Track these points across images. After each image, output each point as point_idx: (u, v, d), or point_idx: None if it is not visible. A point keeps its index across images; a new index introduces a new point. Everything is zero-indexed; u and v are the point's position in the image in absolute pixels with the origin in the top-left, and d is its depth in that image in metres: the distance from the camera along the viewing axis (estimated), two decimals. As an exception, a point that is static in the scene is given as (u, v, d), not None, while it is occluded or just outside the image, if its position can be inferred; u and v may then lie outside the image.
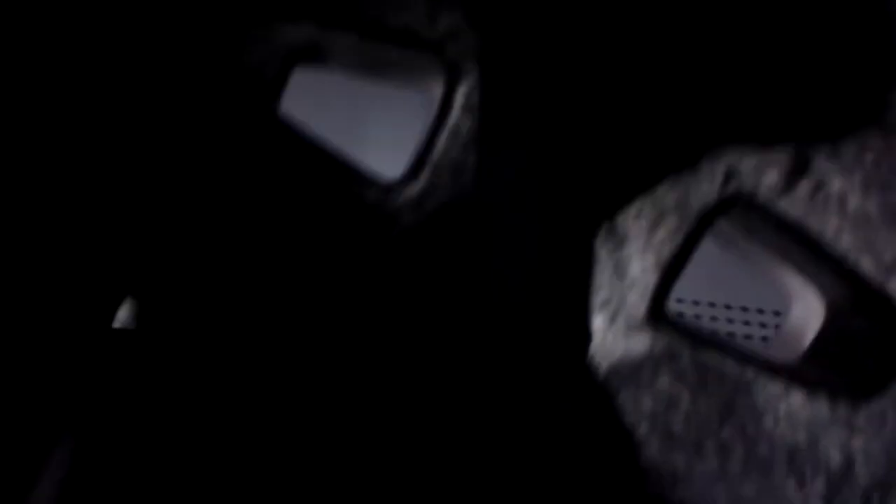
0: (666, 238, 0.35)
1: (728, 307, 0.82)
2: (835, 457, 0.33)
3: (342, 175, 0.35)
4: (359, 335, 0.35)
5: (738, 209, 0.35)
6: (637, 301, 0.36)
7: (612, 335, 0.35)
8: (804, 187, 0.35)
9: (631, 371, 0.36)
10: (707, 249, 0.37)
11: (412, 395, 0.35)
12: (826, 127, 0.34)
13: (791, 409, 0.34)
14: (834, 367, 0.35)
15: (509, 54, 0.35)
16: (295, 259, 0.35)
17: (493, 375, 0.36)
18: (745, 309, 0.83)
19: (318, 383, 0.34)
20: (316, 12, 0.34)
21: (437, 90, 0.36)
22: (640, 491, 0.35)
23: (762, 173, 0.35)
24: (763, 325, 0.83)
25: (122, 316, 0.33)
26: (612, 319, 0.36)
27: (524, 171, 0.36)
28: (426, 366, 0.35)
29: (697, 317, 0.81)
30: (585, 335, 0.35)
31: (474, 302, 0.36)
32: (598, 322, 0.36)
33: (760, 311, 0.81)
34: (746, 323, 0.84)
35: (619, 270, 0.36)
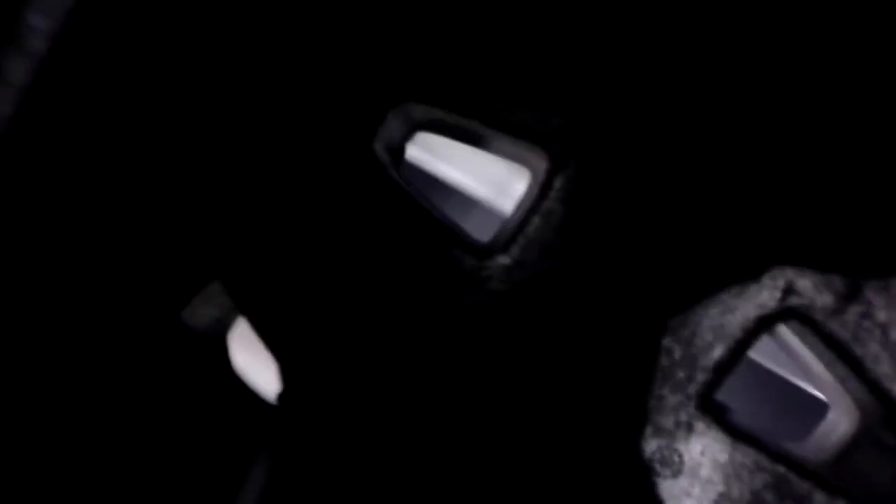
0: (725, 338, 0.39)
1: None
2: (844, 558, 0.37)
3: (447, 237, 0.39)
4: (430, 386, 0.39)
5: (794, 320, 0.39)
6: (690, 393, 0.40)
7: (663, 420, 0.39)
8: (853, 313, 0.39)
9: (674, 454, 0.40)
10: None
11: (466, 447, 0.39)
12: (878, 263, 0.38)
13: (813, 509, 0.38)
14: (855, 475, 0.39)
15: (605, 158, 0.39)
16: (391, 305, 0.39)
17: (547, 442, 0.40)
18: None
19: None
20: (447, 99, 0.38)
21: (539, 176, 0.40)
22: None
23: (818, 294, 0.39)
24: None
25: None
26: (664, 406, 0.40)
27: (604, 259, 0.40)
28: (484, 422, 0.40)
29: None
30: (640, 420, 0.40)
31: (541, 368, 0.40)
32: (651, 407, 0.40)
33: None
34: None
35: (679, 362, 0.40)
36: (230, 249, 0.38)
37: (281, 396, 0.38)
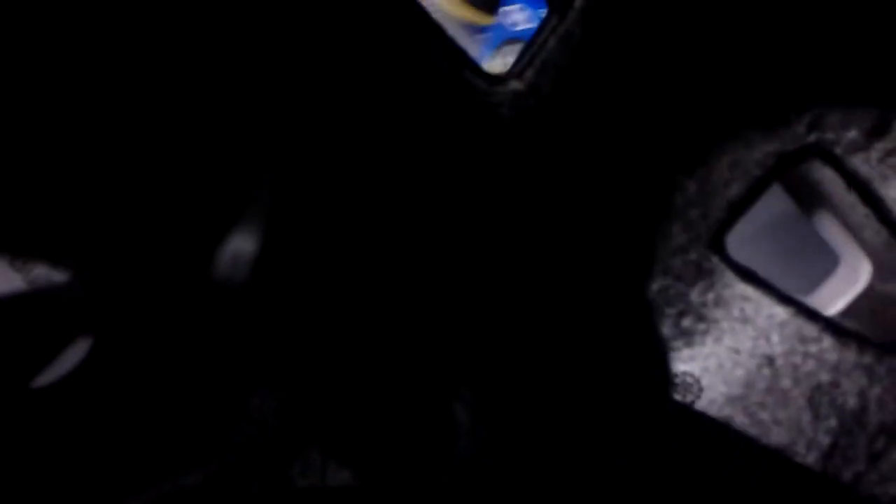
0: (743, 175, 0.37)
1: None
2: (851, 400, 0.37)
3: (457, 58, 0.37)
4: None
5: (816, 158, 0.37)
6: (701, 232, 0.38)
7: (672, 259, 0.38)
8: (879, 149, 0.37)
9: (680, 293, 0.39)
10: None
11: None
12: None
13: (821, 350, 0.37)
14: (868, 322, 0.38)
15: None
16: (394, 132, 0.37)
17: (550, 279, 0.39)
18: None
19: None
20: None
21: (557, -6, 0.37)
22: (660, 398, 0.39)
23: (844, 129, 0.37)
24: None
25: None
26: (673, 245, 0.38)
27: (621, 87, 0.38)
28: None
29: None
30: (647, 258, 0.38)
31: (547, 200, 0.39)
32: (660, 245, 0.38)
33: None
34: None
35: (692, 200, 0.38)
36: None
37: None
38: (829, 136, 0.37)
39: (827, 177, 0.38)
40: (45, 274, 0.31)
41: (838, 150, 0.37)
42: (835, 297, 0.40)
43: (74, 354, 0.31)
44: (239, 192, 0.33)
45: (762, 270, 0.40)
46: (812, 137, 0.37)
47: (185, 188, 0.32)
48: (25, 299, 0.30)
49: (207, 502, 0.30)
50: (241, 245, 0.32)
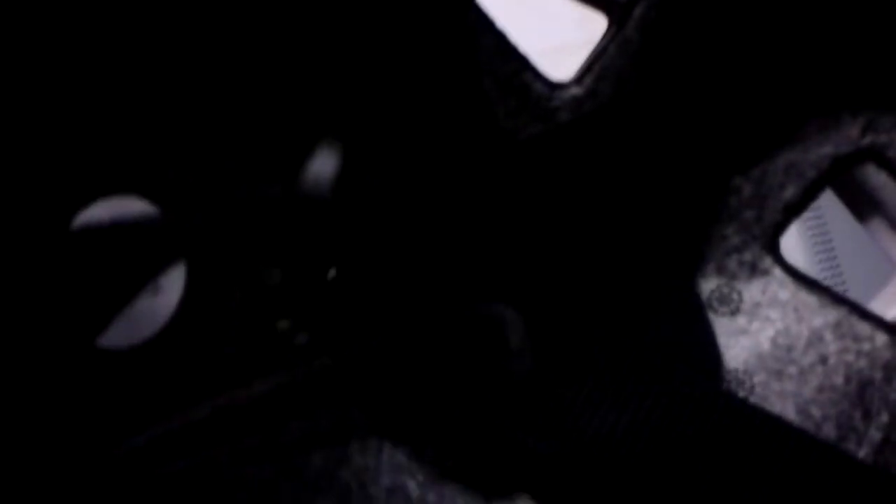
0: (797, 178, 0.39)
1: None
2: (904, 397, 0.37)
3: (518, 61, 0.39)
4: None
5: (870, 162, 0.38)
6: (756, 233, 0.39)
7: (726, 260, 0.39)
8: None
9: (734, 293, 0.40)
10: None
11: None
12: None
13: (874, 348, 0.38)
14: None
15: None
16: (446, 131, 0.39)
17: (602, 281, 0.40)
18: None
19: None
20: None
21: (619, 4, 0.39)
22: (712, 393, 0.40)
23: None
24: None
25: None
26: (728, 246, 0.39)
27: (679, 90, 0.39)
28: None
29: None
30: (702, 259, 0.39)
31: (603, 201, 0.40)
32: (715, 246, 0.40)
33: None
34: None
35: (747, 202, 0.39)
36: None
37: None
38: (883, 138, 0.38)
39: (881, 181, 0.39)
40: (135, 205, 0.33)
41: (891, 153, 0.38)
42: (891, 305, 0.41)
43: (170, 281, 0.33)
44: (320, 117, 0.36)
45: (815, 276, 0.41)
46: (866, 140, 0.38)
47: (269, 111, 0.35)
48: (121, 230, 0.33)
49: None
50: (322, 165, 0.35)
